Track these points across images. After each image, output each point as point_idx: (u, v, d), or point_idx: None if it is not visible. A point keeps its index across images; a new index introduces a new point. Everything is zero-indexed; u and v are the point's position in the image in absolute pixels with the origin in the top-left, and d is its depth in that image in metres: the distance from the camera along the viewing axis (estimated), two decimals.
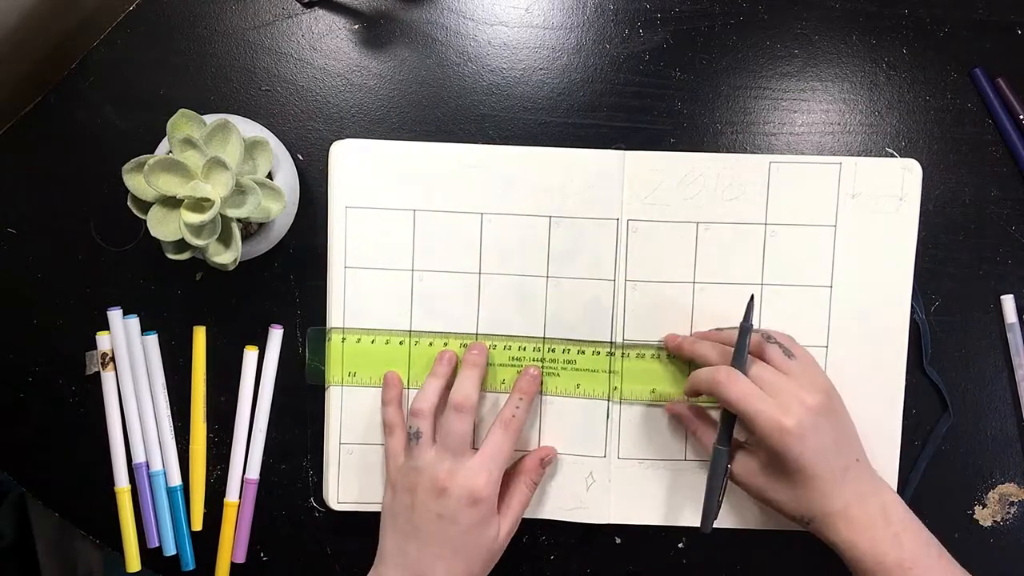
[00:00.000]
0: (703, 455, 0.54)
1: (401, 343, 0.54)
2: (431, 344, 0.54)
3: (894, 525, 0.46)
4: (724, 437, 0.49)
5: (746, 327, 0.48)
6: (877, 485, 0.48)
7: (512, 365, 0.54)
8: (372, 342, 0.54)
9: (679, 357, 0.53)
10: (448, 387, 0.52)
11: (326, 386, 0.55)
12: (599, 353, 0.54)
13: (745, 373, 0.47)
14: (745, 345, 0.48)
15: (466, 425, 0.49)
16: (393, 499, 0.50)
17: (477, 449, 0.50)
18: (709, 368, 0.49)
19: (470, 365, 0.52)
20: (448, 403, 0.50)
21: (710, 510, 0.49)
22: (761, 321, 0.54)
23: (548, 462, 0.53)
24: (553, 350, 0.54)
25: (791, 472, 0.46)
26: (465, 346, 0.54)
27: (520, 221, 0.54)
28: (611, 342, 0.54)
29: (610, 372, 0.54)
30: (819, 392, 0.47)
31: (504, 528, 0.50)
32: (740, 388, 0.46)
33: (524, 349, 0.54)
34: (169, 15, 0.55)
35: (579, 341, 0.54)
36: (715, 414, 0.53)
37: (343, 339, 0.54)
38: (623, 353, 0.54)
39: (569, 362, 0.54)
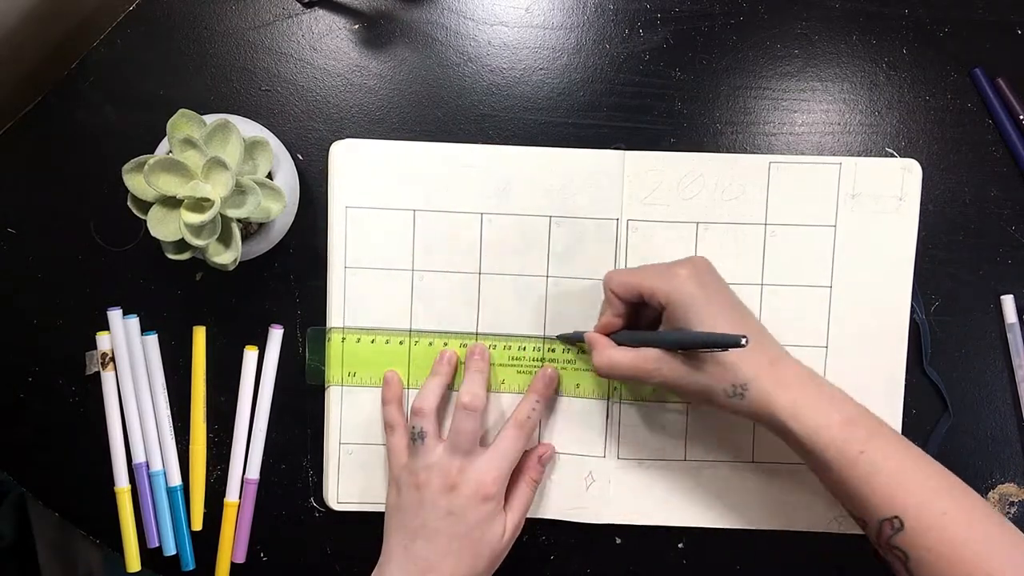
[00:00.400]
0: (702, 456, 0.54)
1: (401, 343, 0.54)
2: (431, 344, 0.54)
3: (824, 387, 0.46)
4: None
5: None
6: (784, 351, 0.47)
7: (512, 365, 0.54)
8: (372, 342, 0.54)
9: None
10: (448, 386, 0.53)
11: (326, 386, 0.55)
12: None
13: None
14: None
15: (475, 424, 0.49)
16: (399, 497, 0.50)
17: (485, 447, 0.50)
18: (598, 360, 0.48)
19: (473, 371, 0.52)
20: (457, 403, 0.50)
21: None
22: (761, 321, 0.53)
23: (546, 459, 0.53)
24: (553, 350, 0.54)
25: (699, 320, 0.45)
26: (465, 346, 0.54)
27: (520, 221, 0.54)
28: None
29: None
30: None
31: (509, 527, 0.50)
32: (619, 277, 0.48)
33: (524, 349, 0.54)
34: (169, 15, 0.55)
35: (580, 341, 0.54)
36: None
37: (343, 339, 0.54)
38: None
39: (569, 361, 0.54)
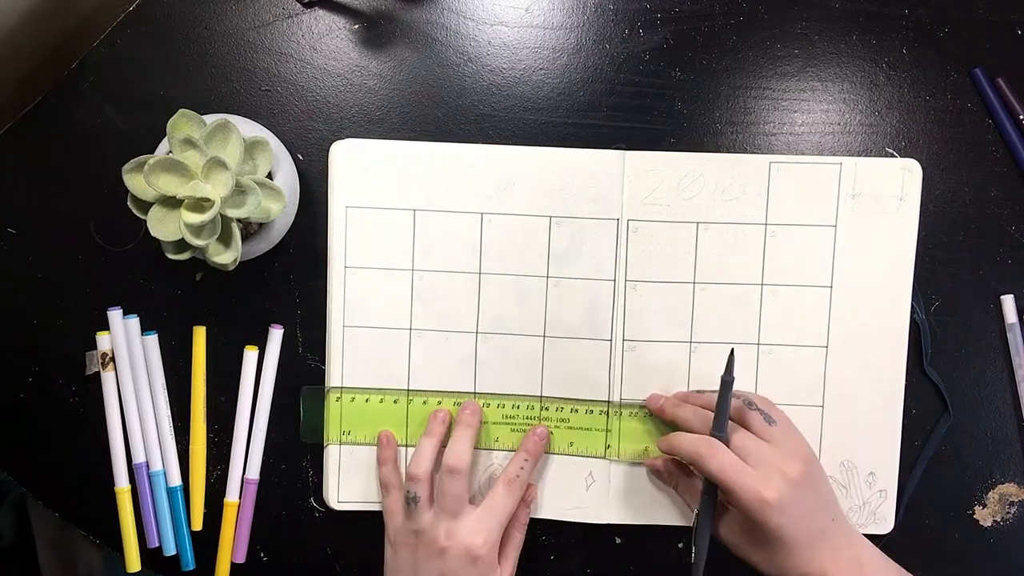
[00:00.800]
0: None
1: (396, 402, 0.54)
2: (425, 402, 0.54)
3: None
4: (709, 487, 0.48)
5: (727, 380, 0.48)
6: (852, 539, 0.47)
7: (506, 423, 0.54)
8: (366, 401, 0.54)
9: (661, 419, 0.53)
10: (443, 446, 0.53)
11: (324, 445, 0.55)
12: (593, 412, 0.54)
13: (726, 437, 0.48)
14: (727, 405, 0.48)
15: (461, 486, 0.50)
16: (394, 557, 0.51)
17: (476, 504, 0.50)
18: (691, 437, 0.48)
19: (463, 426, 0.52)
20: (443, 465, 0.50)
21: (700, 557, 0.49)
22: (761, 322, 0.54)
23: (531, 500, 0.54)
24: (547, 408, 0.54)
25: (771, 540, 0.46)
26: (459, 404, 0.54)
27: (520, 221, 0.54)
28: (607, 401, 0.54)
29: (606, 431, 0.54)
30: (800, 462, 0.46)
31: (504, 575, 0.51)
32: (720, 460, 0.46)
33: (518, 407, 0.54)
34: (169, 15, 0.55)
35: (574, 400, 0.54)
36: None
37: (338, 399, 0.54)
38: (618, 412, 0.54)
39: (563, 420, 0.54)
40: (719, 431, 0.48)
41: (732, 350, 0.49)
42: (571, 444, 0.54)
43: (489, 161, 0.54)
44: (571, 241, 0.54)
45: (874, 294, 0.53)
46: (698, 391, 0.53)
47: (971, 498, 0.55)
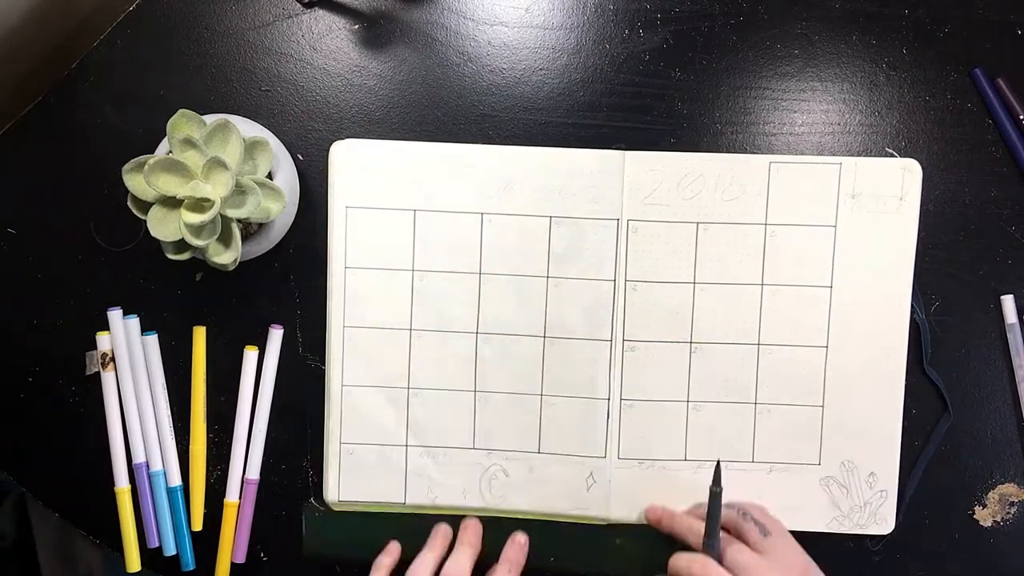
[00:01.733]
0: (702, 456, 0.54)
1: (398, 518, 0.55)
2: (423, 519, 0.55)
3: None
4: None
5: (715, 492, 0.48)
6: None
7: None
8: (368, 513, 0.55)
9: (659, 530, 0.53)
10: (441, 561, 0.53)
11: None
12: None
13: (718, 551, 0.48)
14: (717, 516, 0.48)
15: None
16: None
17: None
18: (685, 556, 0.49)
19: (465, 544, 0.53)
20: (443, 574, 0.50)
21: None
22: (761, 322, 0.54)
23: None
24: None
25: None
26: (463, 517, 0.55)
27: (520, 221, 0.54)
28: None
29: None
30: (795, 573, 0.47)
31: None
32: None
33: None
34: (169, 15, 0.55)
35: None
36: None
37: (340, 513, 0.55)
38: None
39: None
40: (711, 543, 0.48)
41: (718, 462, 0.50)
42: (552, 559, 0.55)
43: (489, 161, 0.54)
44: (571, 241, 0.54)
45: (874, 294, 0.53)
46: (697, 504, 0.54)
47: (971, 498, 0.55)
